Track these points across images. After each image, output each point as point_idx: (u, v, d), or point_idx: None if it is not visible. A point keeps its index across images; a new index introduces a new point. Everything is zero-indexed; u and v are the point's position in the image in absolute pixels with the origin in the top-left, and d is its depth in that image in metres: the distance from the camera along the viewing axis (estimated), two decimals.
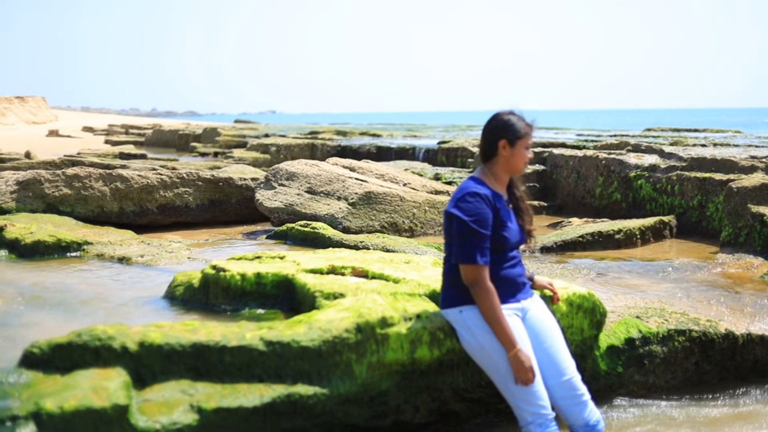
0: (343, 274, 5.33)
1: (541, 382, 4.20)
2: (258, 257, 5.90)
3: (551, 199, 13.89)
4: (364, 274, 5.31)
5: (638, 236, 9.94)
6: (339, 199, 10.65)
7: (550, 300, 4.85)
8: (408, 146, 21.14)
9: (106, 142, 42.62)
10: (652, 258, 9.08)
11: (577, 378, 4.31)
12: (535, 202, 13.37)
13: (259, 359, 4.16)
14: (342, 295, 4.82)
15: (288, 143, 22.82)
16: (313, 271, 5.36)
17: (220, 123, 57.25)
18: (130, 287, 6.23)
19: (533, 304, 4.45)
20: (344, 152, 22.27)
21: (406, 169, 14.72)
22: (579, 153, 13.72)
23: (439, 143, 20.48)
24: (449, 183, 13.66)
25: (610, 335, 5.40)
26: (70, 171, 10.53)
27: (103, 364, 4.00)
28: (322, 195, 10.80)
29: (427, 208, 10.98)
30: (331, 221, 10.25)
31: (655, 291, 7.19)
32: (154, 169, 13.81)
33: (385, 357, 4.28)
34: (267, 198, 10.96)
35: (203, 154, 29.69)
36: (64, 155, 22.53)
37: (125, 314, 5.47)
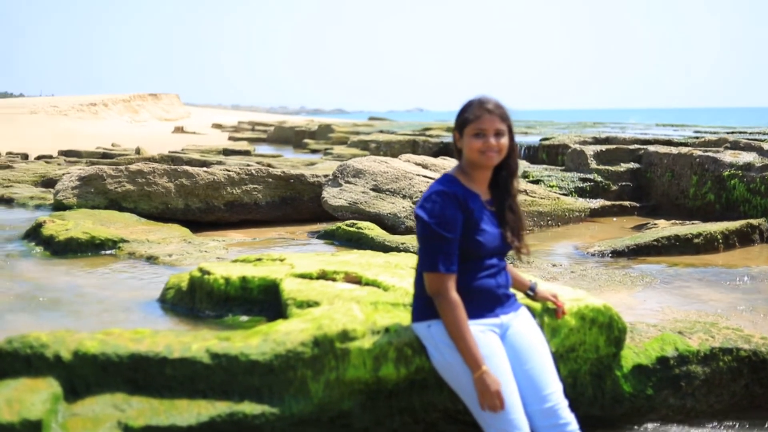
0: (334, 280, 4.91)
1: (520, 408, 3.67)
2: (259, 259, 5.53)
3: (645, 200, 13.06)
4: (357, 281, 4.88)
5: (720, 241, 9.09)
6: (404, 197, 10.21)
7: (554, 313, 4.32)
8: None
9: (230, 138, 43.32)
10: (732, 265, 8.29)
11: (562, 405, 3.76)
12: (627, 203, 12.61)
13: (203, 373, 3.79)
14: (317, 304, 4.40)
15: (388, 140, 22.49)
16: (302, 276, 4.95)
17: (354, 120, 57.41)
18: (134, 288, 5.99)
19: (517, 319, 3.91)
20: (446, 149, 21.80)
21: None
22: (674, 150, 12.85)
23: (541, 140, 19.75)
24: (536, 182, 13.04)
25: (639, 353, 4.80)
26: (133, 167, 10.43)
27: (35, 373, 3.73)
28: (387, 193, 10.38)
29: None
30: (394, 221, 9.83)
31: (717, 302, 6.49)
32: (248, 165, 13.52)
33: (345, 374, 3.84)
34: (332, 196, 10.61)
35: (314, 151, 29.78)
36: (169, 151, 22.84)
37: (110, 317, 5.22)
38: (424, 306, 3.81)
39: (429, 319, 3.78)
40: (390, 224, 9.81)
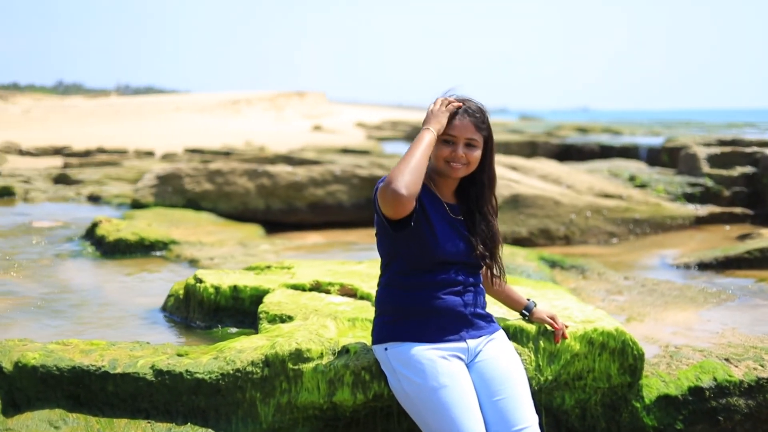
0: (328, 292, 4.58)
1: None
2: (268, 267, 5.25)
3: (760, 207, 12.10)
4: (352, 293, 4.54)
5: None
6: None
7: (552, 336, 3.88)
8: (631, 145, 19.67)
9: (369, 137, 43.42)
10: None
11: None
12: (738, 210, 11.72)
13: (146, 391, 3.54)
14: (290, 318, 4.09)
15: (506, 140, 21.95)
16: (295, 287, 4.64)
17: (503, 119, 56.92)
18: (152, 294, 5.82)
19: (490, 344, 3.48)
20: (568, 151, 21.18)
21: (607, 169, 13.51)
22: None
23: (664, 141, 18.85)
24: (642, 186, 12.32)
25: (669, 382, 4.28)
26: (212, 166, 10.37)
27: None
28: None
29: (589, 214, 9.84)
30: None
31: None
32: (331, 165, 13.29)
33: (297, 398, 3.52)
34: None
35: None
36: (289, 150, 22.93)
37: (108, 325, 5.04)
38: (381, 325, 3.44)
39: (386, 342, 3.41)
40: None
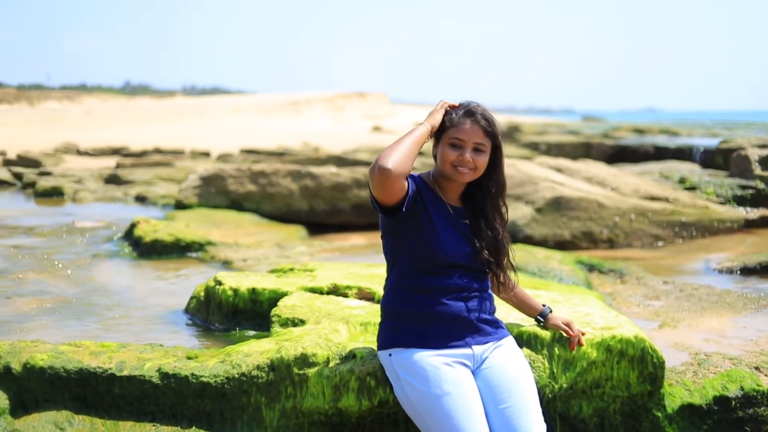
0: (345, 295, 4.54)
1: None
2: (291, 269, 5.23)
3: None
4: (370, 297, 4.50)
5: None
6: (527, 203, 9.65)
7: (567, 343, 3.80)
8: (686, 146, 19.32)
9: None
10: None
11: None
12: None
13: (152, 394, 3.55)
14: (302, 322, 4.06)
15: (560, 141, 21.71)
16: (312, 290, 4.60)
17: (564, 120, 56.39)
18: (177, 295, 5.85)
19: (497, 351, 3.41)
20: (622, 152, 20.87)
21: (659, 172, 13.28)
22: None
23: (719, 143, 18.46)
24: (691, 188, 12.06)
25: (694, 391, 4.16)
26: (255, 167, 10.40)
27: None
28: (511, 198, 9.82)
29: (633, 217, 9.66)
30: (513, 228, 9.29)
31: None
32: None
33: (303, 403, 3.49)
34: None
35: None
36: (342, 151, 22.96)
37: (130, 327, 5.07)
38: (386, 330, 3.40)
39: (389, 347, 3.36)
40: (509, 232, 9.27)
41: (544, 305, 3.86)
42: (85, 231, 9.28)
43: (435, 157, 3.47)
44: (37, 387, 3.57)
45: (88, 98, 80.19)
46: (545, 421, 3.34)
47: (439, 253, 3.31)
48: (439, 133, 3.41)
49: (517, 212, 9.50)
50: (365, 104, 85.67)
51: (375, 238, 9.87)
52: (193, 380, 3.51)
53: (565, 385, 3.79)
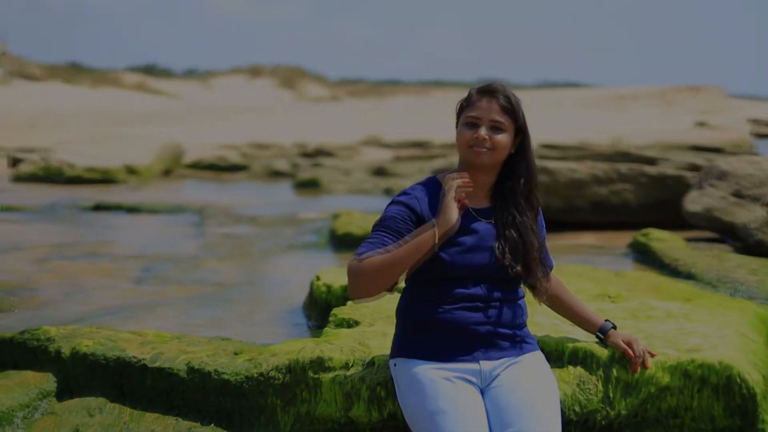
0: None
1: None
2: None
3: None
4: None
5: None
6: (763, 205, 8.67)
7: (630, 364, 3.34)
8: None
9: (756, 134, 40.21)
10: None
11: None
12: None
13: (179, 388, 3.54)
14: (356, 323, 3.88)
15: None
16: (399, 291, 4.38)
17: None
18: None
19: (511, 368, 3.04)
20: None
21: None
22: None
23: None
24: None
25: None
26: None
27: (40, 367, 3.78)
28: (748, 199, 8.87)
29: None
30: (744, 232, 8.39)
31: None
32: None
33: (316, 409, 3.32)
34: (691, 200, 9.33)
35: None
36: (628, 144, 22.05)
37: (249, 320, 5.11)
38: (394, 338, 3.16)
39: (395, 357, 3.12)
40: (740, 236, 8.42)
41: (606, 320, 3.41)
42: (303, 222, 9.55)
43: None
44: (81, 373, 3.66)
45: (440, 93, 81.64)
46: None
47: (446, 269, 3.02)
48: (457, 119, 3.13)
49: (752, 214, 8.58)
50: (697, 99, 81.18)
51: (605, 239, 9.37)
52: (215, 377, 3.45)
53: (624, 412, 3.32)
